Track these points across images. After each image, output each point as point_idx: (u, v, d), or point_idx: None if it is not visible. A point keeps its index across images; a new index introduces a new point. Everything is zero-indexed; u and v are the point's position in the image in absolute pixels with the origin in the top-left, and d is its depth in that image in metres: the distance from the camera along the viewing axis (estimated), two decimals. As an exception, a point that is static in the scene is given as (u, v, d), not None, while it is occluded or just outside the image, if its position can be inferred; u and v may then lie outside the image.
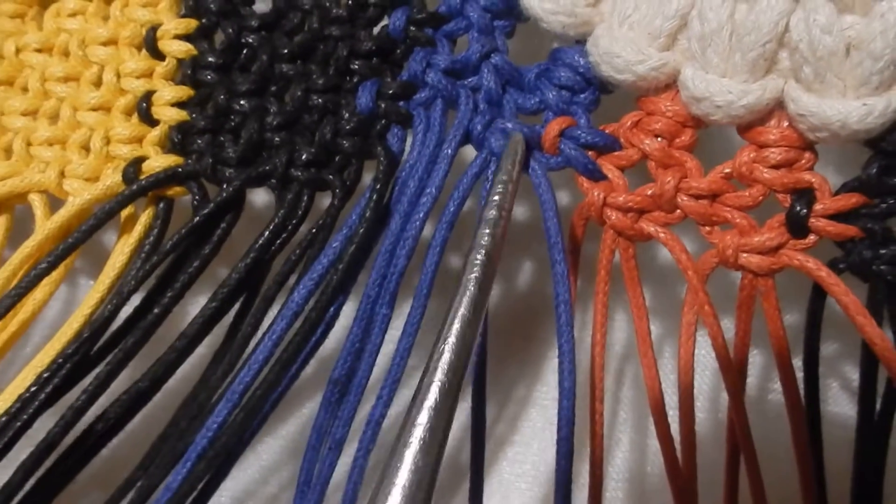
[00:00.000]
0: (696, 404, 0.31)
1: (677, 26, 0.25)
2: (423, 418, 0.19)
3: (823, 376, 0.30)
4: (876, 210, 0.23)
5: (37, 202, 0.29)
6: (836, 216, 0.24)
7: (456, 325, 0.21)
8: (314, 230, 0.27)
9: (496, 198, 0.24)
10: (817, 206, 0.24)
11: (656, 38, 0.25)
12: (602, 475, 0.26)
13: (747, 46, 0.23)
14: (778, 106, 0.24)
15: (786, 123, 0.24)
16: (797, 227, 0.24)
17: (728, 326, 0.26)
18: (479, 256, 0.23)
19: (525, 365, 0.34)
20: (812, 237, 0.24)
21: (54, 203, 0.30)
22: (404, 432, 0.19)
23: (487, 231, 0.23)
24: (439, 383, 0.20)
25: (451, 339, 0.21)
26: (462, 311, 0.21)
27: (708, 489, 0.26)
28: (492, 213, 0.24)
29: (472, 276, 0.22)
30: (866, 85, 0.22)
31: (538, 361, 0.33)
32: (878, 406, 0.24)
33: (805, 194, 0.24)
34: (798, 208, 0.24)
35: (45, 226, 0.28)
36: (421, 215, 0.26)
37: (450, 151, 0.26)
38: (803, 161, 0.24)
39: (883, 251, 0.23)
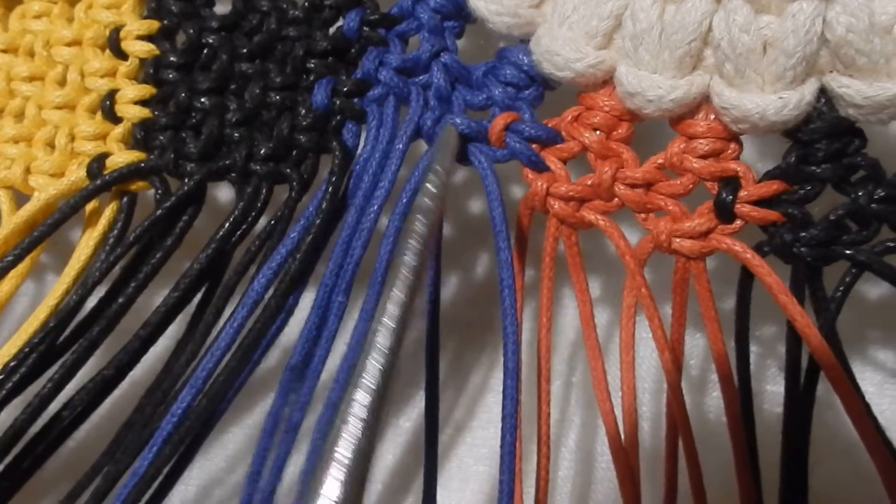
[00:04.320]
0: (642, 385, 0.33)
1: (612, 26, 0.26)
2: (360, 397, 0.19)
3: (762, 357, 0.32)
4: (795, 196, 0.25)
5: (3, 198, 0.30)
6: (760, 202, 0.25)
7: (393, 309, 0.21)
8: (273, 222, 0.28)
9: (430, 186, 0.24)
10: (742, 193, 0.25)
11: (593, 37, 0.26)
12: (549, 452, 0.28)
13: (675, 44, 0.25)
14: (705, 100, 0.26)
15: (712, 116, 0.26)
16: (724, 212, 0.25)
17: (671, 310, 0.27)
18: (414, 244, 0.23)
19: (482, 352, 0.35)
20: (738, 222, 0.25)
21: (20, 198, 0.30)
22: (342, 411, 0.19)
23: (422, 219, 0.23)
24: (381, 367, 0.20)
25: (390, 323, 0.21)
26: (399, 295, 0.21)
27: (656, 464, 0.28)
28: (426, 201, 0.24)
29: (409, 260, 0.22)
30: (781, 80, 0.24)
31: (495, 349, 0.34)
32: (802, 380, 0.26)
33: (731, 182, 0.25)
34: (724, 195, 0.25)
35: (11, 220, 0.29)
36: (375, 207, 0.27)
37: (401, 146, 0.28)
38: (729, 151, 0.26)
39: (803, 234, 0.25)
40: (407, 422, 0.35)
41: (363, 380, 0.20)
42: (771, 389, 0.32)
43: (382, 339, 0.20)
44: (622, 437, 0.27)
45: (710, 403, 0.32)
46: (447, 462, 0.34)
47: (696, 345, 0.32)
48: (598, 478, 0.33)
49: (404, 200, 0.27)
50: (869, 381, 0.31)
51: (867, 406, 0.25)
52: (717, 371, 0.26)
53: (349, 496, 0.18)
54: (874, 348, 0.32)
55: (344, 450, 0.18)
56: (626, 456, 0.27)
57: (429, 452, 0.30)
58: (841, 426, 0.27)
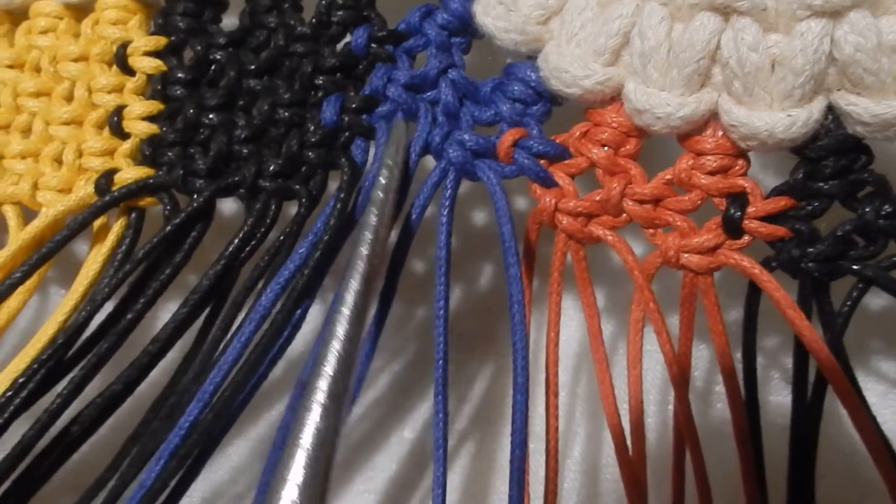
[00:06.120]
0: (647, 397, 0.33)
1: (620, 43, 0.26)
2: (322, 384, 0.20)
3: (766, 368, 0.32)
4: (803, 212, 0.25)
5: (10, 213, 0.30)
6: (767, 218, 0.25)
7: (350, 298, 0.22)
8: (281, 238, 0.28)
9: (382, 181, 0.25)
10: (750, 209, 0.25)
11: (601, 54, 0.26)
12: (557, 466, 0.28)
13: (683, 62, 0.25)
14: (713, 117, 0.26)
15: (720, 133, 0.26)
16: (732, 228, 0.25)
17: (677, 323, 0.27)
18: (368, 234, 0.24)
19: (486, 363, 0.35)
20: (746, 238, 0.26)
21: (28, 214, 0.30)
22: (306, 399, 0.20)
23: (375, 210, 0.24)
24: (336, 353, 0.21)
25: (346, 311, 0.22)
26: (355, 285, 0.22)
27: (661, 476, 0.28)
28: (379, 194, 0.25)
29: (363, 250, 0.23)
30: (790, 98, 0.24)
31: (498, 359, 0.35)
32: (809, 393, 0.26)
33: (739, 198, 0.26)
34: (732, 211, 0.25)
35: (19, 236, 0.29)
36: (384, 222, 0.27)
37: (410, 163, 0.28)
38: (737, 167, 0.26)
39: (810, 250, 0.25)
40: (411, 433, 0.35)
41: (324, 368, 0.20)
42: (775, 400, 0.32)
43: (336, 325, 0.21)
44: (629, 449, 0.27)
45: (715, 414, 0.32)
46: (450, 473, 0.34)
47: (700, 356, 0.33)
48: (603, 490, 0.33)
49: (413, 217, 0.27)
50: (872, 392, 0.31)
51: (874, 419, 0.25)
52: (725, 385, 0.26)
53: (312, 480, 0.18)
54: (877, 359, 0.32)
55: (307, 435, 0.19)
56: (633, 468, 0.27)
57: (438, 465, 0.30)
58: (845, 438, 0.28)
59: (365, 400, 0.35)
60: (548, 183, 0.27)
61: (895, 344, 0.32)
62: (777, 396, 0.32)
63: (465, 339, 0.34)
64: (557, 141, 0.28)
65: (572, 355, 0.34)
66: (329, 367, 0.20)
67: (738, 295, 0.27)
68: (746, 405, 0.26)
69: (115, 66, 0.30)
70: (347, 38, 0.30)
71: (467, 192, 0.34)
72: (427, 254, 0.34)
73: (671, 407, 0.32)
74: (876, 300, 0.31)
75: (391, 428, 0.35)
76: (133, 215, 0.29)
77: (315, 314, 0.28)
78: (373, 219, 0.24)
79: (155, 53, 0.30)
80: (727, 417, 0.27)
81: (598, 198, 0.27)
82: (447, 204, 0.27)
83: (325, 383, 0.20)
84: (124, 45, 0.30)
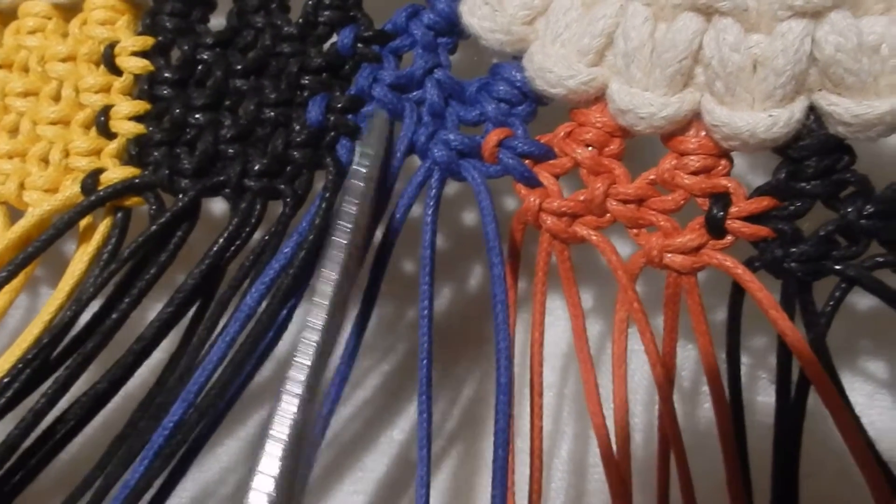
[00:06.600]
0: (634, 398, 0.33)
1: (604, 44, 0.26)
2: (295, 374, 0.20)
3: (752, 368, 0.32)
4: (785, 212, 0.25)
5: (-3, 213, 0.30)
6: (750, 218, 0.25)
7: (325, 288, 0.22)
8: (267, 237, 0.28)
9: (362, 170, 0.25)
10: (733, 209, 0.25)
11: (585, 54, 0.26)
12: (541, 465, 0.28)
13: (666, 63, 0.25)
14: (696, 117, 0.26)
15: (703, 133, 0.26)
16: (715, 228, 0.26)
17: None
18: (346, 224, 0.24)
19: (474, 364, 0.35)
20: (729, 238, 0.26)
21: (14, 214, 0.30)
22: (282, 391, 0.20)
23: (356, 201, 0.24)
24: (315, 344, 0.21)
25: (320, 300, 0.22)
26: (331, 275, 0.22)
27: (648, 476, 0.28)
28: (357, 183, 0.25)
29: (343, 241, 0.23)
30: (771, 98, 0.24)
31: (487, 360, 0.35)
32: (793, 393, 0.26)
33: (722, 198, 0.26)
34: (715, 211, 0.25)
35: (6, 236, 0.29)
36: (369, 222, 0.27)
37: (395, 162, 0.28)
38: (720, 167, 0.26)
39: (793, 250, 0.25)
40: (400, 434, 0.35)
41: (296, 358, 0.20)
42: (762, 400, 0.32)
43: (313, 317, 0.21)
44: (614, 449, 0.27)
45: (702, 415, 0.33)
46: (438, 473, 0.34)
47: (687, 356, 0.33)
48: (590, 490, 0.33)
49: (398, 216, 0.28)
50: (859, 392, 0.31)
51: (857, 419, 0.25)
52: (709, 385, 0.26)
53: (287, 472, 0.18)
54: (864, 359, 0.32)
55: (280, 426, 0.19)
56: (618, 468, 0.27)
57: (422, 465, 0.30)
58: (832, 439, 0.28)
59: (354, 400, 0.35)
60: (532, 183, 0.28)
61: (882, 344, 0.32)
62: (764, 397, 0.32)
63: (455, 339, 0.34)
64: (542, 141, 0.28)
65: (560, 355, 0.34)
66: (303, 358, 0.20)
67: (725, 295, 0.27)
68: (731, 406, 0.26)
69: (102, 66, 0.30)
70: (334, 39, 0.30)
71: (458, 192, 0.34)
72: (417, 254, 0.33)
73: (657, 407, 0.33)
74: (863, 300, 0.31)
75: (380, 428, 0.35)
76: (119, 215, 0.29)
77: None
78: (351, 208, 0.24)
79: (142, 53, 0.30)
80: (711, 417, 0.27)
81: (582, 198, 0.27)
82: (432, 204, 0.27)
83: (299, 374, 0.20)
84: (112, 45, 0.30)
